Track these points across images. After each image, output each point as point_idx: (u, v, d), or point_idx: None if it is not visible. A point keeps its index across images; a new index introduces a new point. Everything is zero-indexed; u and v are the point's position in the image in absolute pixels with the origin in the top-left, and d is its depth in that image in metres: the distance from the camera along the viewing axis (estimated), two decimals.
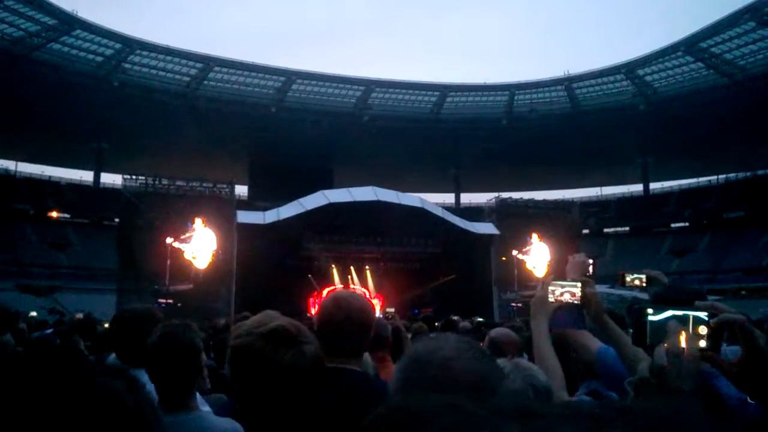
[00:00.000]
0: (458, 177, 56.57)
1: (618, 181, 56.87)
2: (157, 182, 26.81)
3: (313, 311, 20.87)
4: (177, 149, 47.43)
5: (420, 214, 27.75)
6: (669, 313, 1.37)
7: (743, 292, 39.02)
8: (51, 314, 21.37)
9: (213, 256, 25.00)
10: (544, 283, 2.19)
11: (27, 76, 38.89)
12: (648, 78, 45.75)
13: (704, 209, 49.90)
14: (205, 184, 27.76)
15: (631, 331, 1.49)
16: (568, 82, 47.31)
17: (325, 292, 18.99)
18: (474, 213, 38.03)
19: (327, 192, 28.48)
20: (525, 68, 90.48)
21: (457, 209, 47.42)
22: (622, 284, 2.65)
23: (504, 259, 29.45)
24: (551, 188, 50.49)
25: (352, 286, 28.51)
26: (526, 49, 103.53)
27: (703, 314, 1.33)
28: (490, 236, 29.43)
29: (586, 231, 43.43)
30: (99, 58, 42.88)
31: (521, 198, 34.10)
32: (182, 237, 24.25)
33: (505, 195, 34.20)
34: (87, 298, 29.64)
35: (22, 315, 9.96)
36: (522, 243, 29.18)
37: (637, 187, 56.74)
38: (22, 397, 0.63)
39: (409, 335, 4.92)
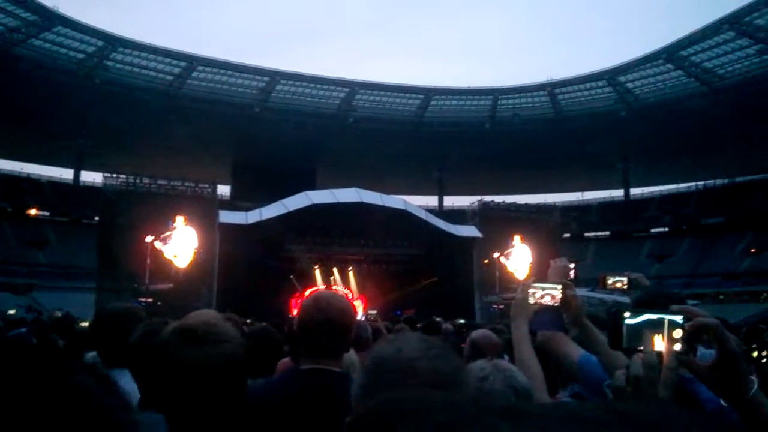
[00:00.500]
0: (441, 180, 56.57)
1: (599, 186, 57.28)
2: (138, 181, 26.58)
3: (295, 312, 20.76)
4: (159, 148, 46.93)
5: (403, 216, 27.80)
6: (645, 316, 1.39)
7: (721, 297, 39.57)
8: (28, 312, 21.04)
9: (194, 255, 24.81)
10: (525, 285, 2.20)
11: (6, 72, 38.15)
12: (629, 85, 46.17)
13: (683, 215, 50.46)
14: (186, 184, 27.55)
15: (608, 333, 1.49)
16: (551, 87, 47.60)
17: (306, 293, 18.92)
18: (457, 216, 38.14)
19: (310, 193, 28.43)
20: (509, 73, 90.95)
21: (440, 212, 47.45)
22: (604, 286, 2.65)
23: (486, 261, 29.63)
24: (533, 192, 50.70)
25: (334, 287, 28.44)
26: (509, 53, 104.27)
27: (678, 318, 1.34)
28: (473, 239, 29.59)
29: (567, 235, 43.76)
30: (80, 56, 42.21)
31: (504, 201, 34.19)
32: (162, 236, 24.02)
33: (487, 198, 34.51)
34: (65, 297, 29.16)
35: None
36: (504, 246, 29.38)
37: (618, 192, 57.26)
38: None
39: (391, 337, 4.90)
